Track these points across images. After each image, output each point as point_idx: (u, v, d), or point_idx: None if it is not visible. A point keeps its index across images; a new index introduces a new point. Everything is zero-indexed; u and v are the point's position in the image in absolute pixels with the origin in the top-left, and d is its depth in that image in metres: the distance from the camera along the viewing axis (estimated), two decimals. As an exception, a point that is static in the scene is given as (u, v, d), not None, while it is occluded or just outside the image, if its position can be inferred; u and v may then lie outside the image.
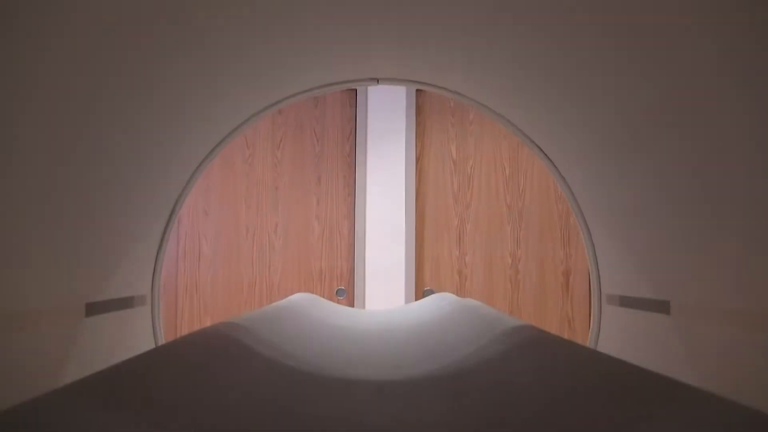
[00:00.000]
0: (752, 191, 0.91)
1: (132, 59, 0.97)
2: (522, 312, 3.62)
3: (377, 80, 1.47)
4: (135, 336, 1.33)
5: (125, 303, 1.27)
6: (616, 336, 1.38)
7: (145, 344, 1.37)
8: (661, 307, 1.18)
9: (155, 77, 1.01)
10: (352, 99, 3.74)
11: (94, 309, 1.13)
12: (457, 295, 3.23)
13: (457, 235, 3.67)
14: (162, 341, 1.43)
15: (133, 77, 1.00)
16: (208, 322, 3.49)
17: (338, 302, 3.67)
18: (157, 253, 1.41)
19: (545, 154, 1.45)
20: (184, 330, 3.48)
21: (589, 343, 1.50)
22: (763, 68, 0.73)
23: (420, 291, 3.60)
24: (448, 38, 1.23)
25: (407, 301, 3.60)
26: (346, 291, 3.65)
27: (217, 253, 3.66)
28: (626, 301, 1.34)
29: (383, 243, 3.65)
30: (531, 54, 1.17)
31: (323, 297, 3.62)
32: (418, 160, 3.64)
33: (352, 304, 3.67)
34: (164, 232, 1.41)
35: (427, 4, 1.09)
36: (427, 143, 3.76)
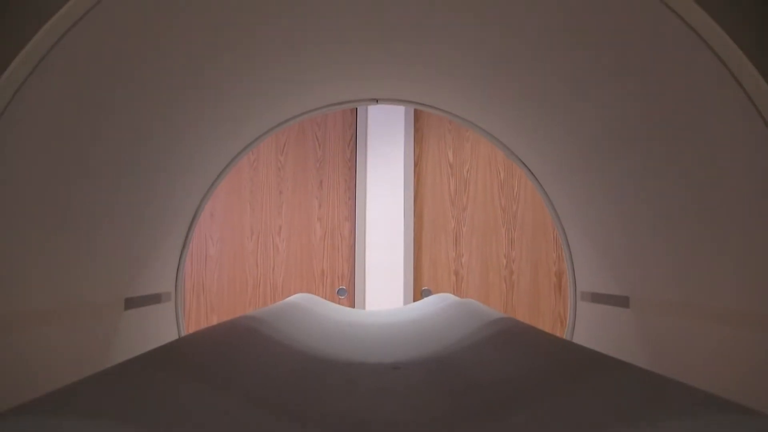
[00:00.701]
0: (694, 203, 1.10)
1: (170, 99, 1.17)
2: (516, 311, 3.80)
3: (377, 100, 1.67)
4: (162, 327, 1.53)
5: (155, 299, 1.47)
6: (588, 328, 1.58)
7: (171, 335, 1.57)
8: (622, 301, 1.38)
9: (187, 109, 1.21)
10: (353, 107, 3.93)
11: (131, 303, 1.33)
12: (454, 294, 3.43)
13: (454, 236, 3.85)
14: (184, 333, 1.63)
15: (168, 111, 1.20)
16: (214, 321, 3.68)
17: (339, 301, 3.85)
18: (180, 254, 1.61)
19: (526, 166, 1.65)
20: (192, 328, 3.68)
21: (565, 335, 1.70)
22: (713, 96, 0.92)
23: (418, 291, 3.79)
24: (439, 64, 1.43)
25: (406, 300, 3.77)
26: (347, 290, 3.83)
27: (222, 254, 3.83)
28: (596, 297, 1.54)
29: (383, 244, 3.83)
30: (514, 78, 1.36)
31: (325, 296, 3.83)
32: (416, 164, 3.84)
33: (352, 303, 3.83)
34: (186, 236, 1.61)
35: (421, 38, 1.29)
36: (425, 148, 3.94)
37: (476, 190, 3.85)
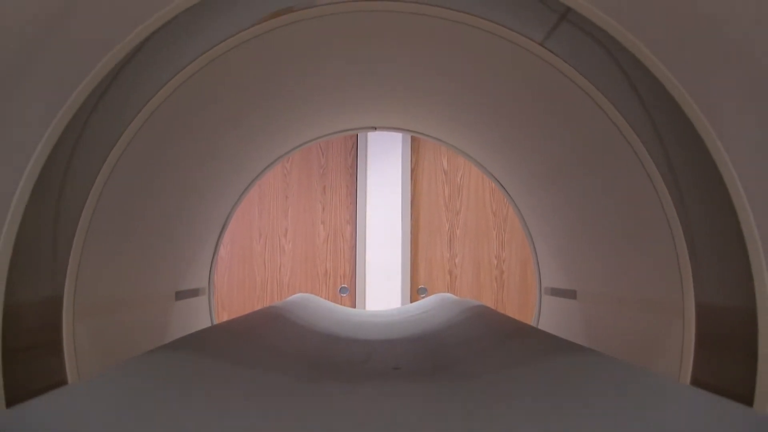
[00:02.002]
0: (618, 218, 1.49)
1: (214, 138, 1.57)
2: (506, 307, 4.15)
3: (375, 128, 2.06)
4: (200, 316, 1.93)
5: (194, 292, 1.87)
6: (549, 317, 1.98)
7: (206, 323, 1.97)
8: (572, 294, 1.78)
9: (225, 145, 1.61)
10: (354, 117, 4.27)
11: (179, 296, 1.73)
12: (449, 293, 3.80)
13: (448, 238, 4.19)
14: (215, 320, 2.03)
15: (211, 148, 1.59)
16: (225, 317, 4.03)
17: (341, 298, 4.17)
18: (212, 256, 2.00)
19: (499, 182, 2.05)
20: (206, 323, 4.01)
21: (532, 323, 2.09)
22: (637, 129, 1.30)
23: (415, 289, 4.15)
24: (428, 99, 1.82)
25: (403, 297, 4.09)
26: (349, 289, 4.17)
27: (232, 255, 4.13)
28: (555, 292, 1.93)
29: (382, 246, 4.16)
30: (489, 113, 1.75)
31: (327, 294, 4.19)
32: (413, 171, 4.19)
33: (353, 301, 4.16)
34: (217, 241, 2.01)
35: (414, 76, 1.68)
36: (421, 156, 4.22)
37: (469, 195, 4.15)
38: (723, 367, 1.08)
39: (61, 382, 1.10)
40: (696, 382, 1.15)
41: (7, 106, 0.85)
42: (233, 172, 1.86)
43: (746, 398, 0.99)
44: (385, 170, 4.17)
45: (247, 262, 4.11)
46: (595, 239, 1.61)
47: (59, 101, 0.94)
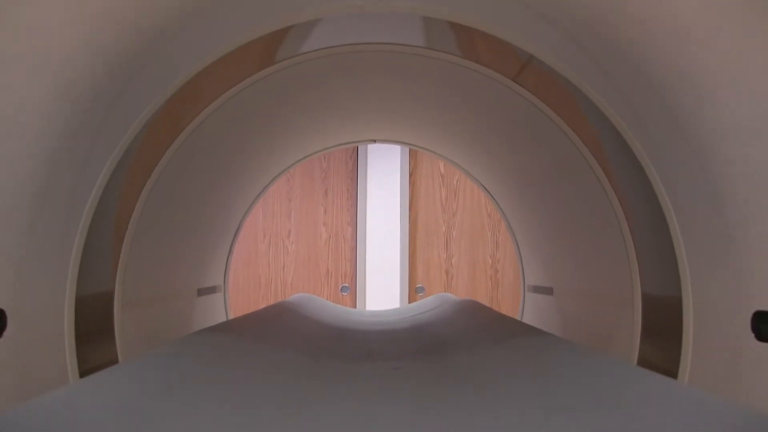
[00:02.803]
0: (584, 225, 1.74)
1: (235, 157, 1.83)
2: (501, 305, 4.36)
3: (374, 140, 2.31)
4: (216, 310, 2.18)
5: (212, 290, 2.13)
6: (531, 312, 2.24)
7: (221, 317, 2.22)
8: (549, 291, 2.03)
9: (243, 162, 1.87)
10: (354, 124, 4.49)
11: (201, 292, 1.99)
12: (444, 291, 4.03)
13: (445, 239, 4.40)
14: (230, 315, 2.29)
15: (232, 167, 1.85)
16: (232, 315, 4.27)
17: (342, 297, 4.36)
18: (227, 257, 2.26)
19: (487, 190, 2.30)
20: (214, 320, 4.24)
21: (518, 317, 2.35)
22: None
23: (413, 288, 4.36)
24: (421, 120, 2.07)
25: (402, 295, 4.30)
26: (350, 288, 4.38)
27: (238, 255, 4.31)
28: (536, 289, 2.19)
29: (381, 246, 4.35)
30: (475, 132, 2.01)
31: (329, 292, 4.39)
32: (411, 174, 4.39)
33: (354, 299, 4.37)
34: (232, 243, 2.26)
35: (409, 100, 1.93)
36: (419, 161, 4.40)
37: (465, 197, 4.35)
38: (661, 349, 1.33)
39: (113, 361, 1.36)
40: (641, 362, 1.40)
41: (81, 149, 1.10)
42: (246, 183, 2.11)
43: (675, 374, 1.25)
44: (384, 174, 4.34)
45: (252, 263, 4.28)
46: (566, 241, 1.86)
47: (115, 142, 1.20)
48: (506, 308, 4.28)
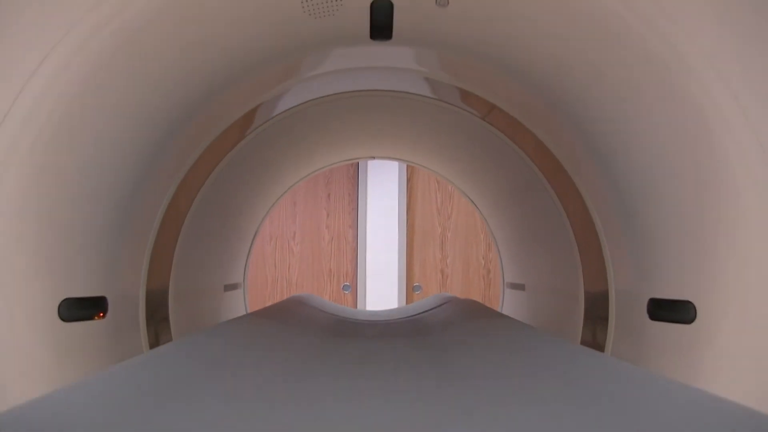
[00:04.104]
0: (548, 226, 2.17)
1: (257, 174, 2.26)
2: (492, 302, 4.68)
3: (374, 157, 2.74)
4: (237, 305, 2.62)
5: (235, 286, 2.56)
6: (509, 306, 2.67)
7: (242, 310, 2.65)
8: (522, 287, 2.46)
9: (258, 177, 2.31)
10: (355, 133, 4.81)
11: (226, 288, 2.42)
12: (440, 289, 4.40)
13: (440, 241, 4.70)
14: (249, 309, 2.72)
15: (255, 181, 2.29)
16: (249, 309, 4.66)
17: (344, 295, 4.67)
18: (246, 257, 2.69)
19: (471, 200, 2.74)
20: (225, 316, 4.62)
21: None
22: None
23: (410, 286, 4.67)
24: (416, 138, 2.50)
25: (400, 294, 4.60)
26: (351, 286, 4.69)
27: None
28: (512, 285, 2.62)
29: (380, 247, 4.60)
30: (459, 154, 2.43)
31: (332, 291, 4.69)
32: (408, 180, 4.67)
33: (355, 297, 4.68)
34: (250, 246, 2.69)
35: (404, 128, 2.36)
36: (416, 168, 4.48)
37: (459, 202, 4.66)
38: (592, 332, 1.76)
39: (169, 341, 1.79)
40: (582, 343, 1.83)
41: (156, 174, 1.54)
42: (262, 195, 2.54)
43: (603, 350, 1.67)
44: (383, 180, 4.60)
45: (259, 263, 4.58)
46: (533, 246, 2.30)
47: (181, 168, 1.64)
48: (498, 305, 4.65)
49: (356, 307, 4.65)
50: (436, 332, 1.72)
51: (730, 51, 1.08)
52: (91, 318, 1.37)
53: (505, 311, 2.68)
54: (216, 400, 0.82)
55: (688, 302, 1.29)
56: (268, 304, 3.34)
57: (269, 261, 4.64)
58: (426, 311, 2.33)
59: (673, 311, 1.33)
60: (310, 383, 0.97)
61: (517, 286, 2.52)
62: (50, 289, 1.24)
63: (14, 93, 1.07)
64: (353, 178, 4.70)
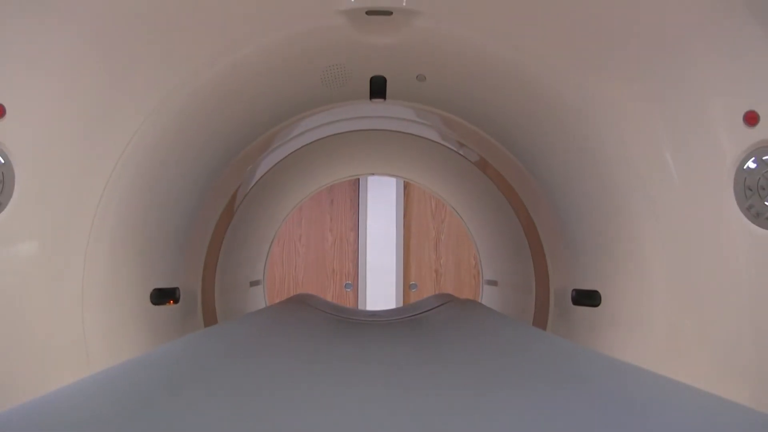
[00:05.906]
0: (512, 232, 2.78)
1: (277, 193, 2.88)
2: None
3: (373, 173, 3.36)
4: (258, 299, 3.24)
5: (257, 282, 3.18)
6: (487, 300, 3.28)
7: (262, 304, 3.26)
8: (495, 283, 3.07)
9: (274, 193, 2.92)
10: (356, 146, 5.32)
11: (251, 284, 3.03)
12: (434, 287, 4.95)
13: (435, 243, 5.07)
14: (267, 303, 3.35)
15: (273, 194, 2.91)
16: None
17: (346, 293, 5.10)
18: (266, 257, 3.32)
19: (456, 211, 3.36)
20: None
21: (478, 305, 3.39)
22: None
23: (407, 285, 5.07)
24: (408, 163, 3.12)
25: (397, 292, 4.98)
26: (352, 285, 5.07)
27: None
28: (489, 282, 3.23)
29: (380, 249, 4.92)
30: (448, 176, 3.05)
31: (334, 289, 5.11)
32: (406, 186, 5.06)
33: (356, 295, 5.07)
34: (270, 245, 3.31)
35: (400, 150, 2.97)
36: (410, 181, 5.32)
37: None
38: (541, 318, 2.38)
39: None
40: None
41: (215, 189, 2.17)
42: (278, 207, 3.18)
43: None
44: (382, 188, 4.93)
45: (267, 263, 5.21)
46: (501, 250, 2.93)
47: (228, 189, 2.27)
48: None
49: (357, 303, 4.98)
50: (437, 332, 1.91)
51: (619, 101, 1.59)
52: (167, 304, 1.94)
53: (483, 303, 3.30)
54: (215, 397, 0.85)
55: (596, 291, 1.86)
56: (277, 300, 3.90)
57: (277, 262, 5.06)
58: (426, 311, 2.85)
59: (586, 298, 1.89)
60: (310, 383, 1.00)
61: (492, 283, 3.14)
62: (144, 280, 1.72)
63: (131, 134, 1.58)
64: (354, 185, 5.08)
